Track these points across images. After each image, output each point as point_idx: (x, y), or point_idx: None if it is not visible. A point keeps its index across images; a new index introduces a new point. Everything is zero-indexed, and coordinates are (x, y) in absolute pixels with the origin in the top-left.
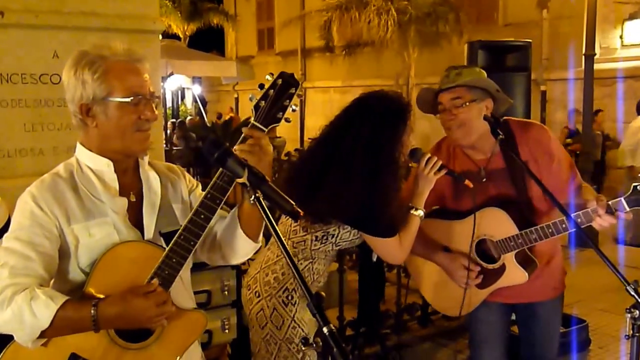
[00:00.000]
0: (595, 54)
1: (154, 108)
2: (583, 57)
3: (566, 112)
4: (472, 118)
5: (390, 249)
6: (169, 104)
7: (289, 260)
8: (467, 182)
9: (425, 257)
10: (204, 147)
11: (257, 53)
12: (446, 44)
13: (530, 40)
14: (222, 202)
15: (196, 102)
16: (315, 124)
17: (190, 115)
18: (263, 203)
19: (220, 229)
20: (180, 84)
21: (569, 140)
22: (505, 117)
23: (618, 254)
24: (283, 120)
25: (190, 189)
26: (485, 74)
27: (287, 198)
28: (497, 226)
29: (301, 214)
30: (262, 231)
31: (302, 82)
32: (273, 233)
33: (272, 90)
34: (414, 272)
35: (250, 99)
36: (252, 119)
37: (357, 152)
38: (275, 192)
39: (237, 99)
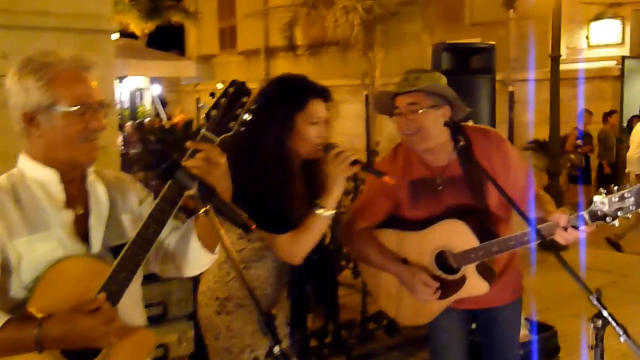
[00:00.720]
0: (560, 55)
1: (103, 117)
2: (549, 58)
3: (536, 112)
4: (428, 124)
5: (280, 246)
6: (127, 105)
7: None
8: (386, 178)
9: (383, 268)
10: (152, 158)
11: (219, 52)
12: (414, 43)
13: (494, 43)
14: (172, 214)
15: (155, 103)
16: None
17: (149, 117)
18: (212, 215)
19: (174, 240)
20: (138, 85)
21: (578, 142)
22: (461, 123)
23: (587, 256)
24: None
25: (141, 199)
26: (445, 80)
27: (239, 210)
28: (457, 238)
29: (253, 227)
30: (218, 244)
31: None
32: (223, 246)
33: (224, 99)
34: (370, 282)
35: (202, 108)
36: (204, 128)
37: (244, 138)
38: (226, 205)
39: (198, 100)
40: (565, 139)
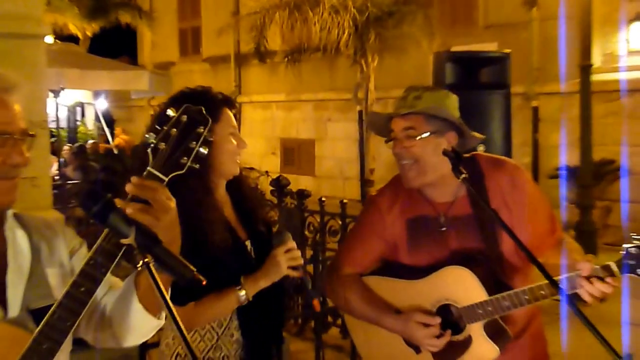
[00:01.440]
0: (591, 64)
1: (26, 149)
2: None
3: (565, 131)
4: (426, 154)
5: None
6: (63, 123)
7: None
8: (315, 302)
9: (372, 321)
10: (79, 199)
11: (179, 59)
12: (414, 49)
13: (509, 51)
14: (109, 271)
15: (99, 121)
16: (255, 148)
17: (92, 139)
18: (153, 269)
19: (110, 302)
20: (78, 99)
21: None
22: (473, 152)
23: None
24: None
25: (72, 250)
26: (455, 100)
27: (186, 263)
28: (462, 289)
29: (204, 283)
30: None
31: (236, 95)
32: (164, 304)
33: (175, 130)
34: (358, 341)
35: (147, 141)
36: (150, 165)
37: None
38: (170, 256)
39: (169, 119)
40: (601, 165)
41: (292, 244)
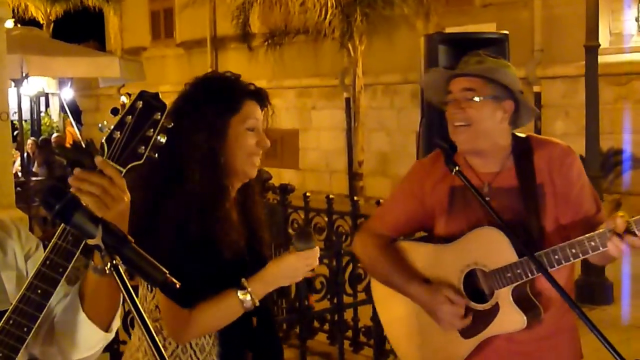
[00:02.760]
0: (599, 45)
1: None
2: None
3: (570, 119)
4: (482, 118)
5: (171, 318)
6: (26, 115)
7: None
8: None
9: (399, 287)
10: (40, 196)
11: (151, 44)
12: (405, 31)
13: (507, 32)
14: (67, 270)
15: (65, 112)
16: None
17: (58, 131)
18: (122, 272)
19: (59, 312)
20: (43, 88)
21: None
22: (528, 134)
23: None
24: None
25: (27, 252)
26: (514, 71)
27: (158, 265)
28: (493, 252)
29: (178, 285)
30: (116, 314)
31: None
32: (134, 313)
33: (131, 117)
34: (382, 314)
35: (101, 130)
36: (105, 156)
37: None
38: (142, 258)
39: (123, 107)
40: (609, 155)
41: (316, 252)
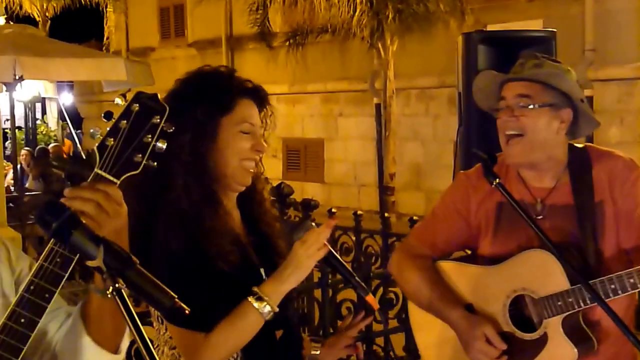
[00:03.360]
0: None
1: None
2: None
3: (625, 127)
4: (537, 128)
5: (186, 347)
6: (19, 123)
7: None
8: (369, 298)
9: (438, 312)
10: (36, 213)
11: (160, 44)
12: (441, 30)
13: (554, 30)
14: (54, 296)
15: (64, 119)
16: None
17: (56, 140)
18: (126, 297)
19: (61, 337)
20: (39, 92)
21: None
22: (586, 144)
23: None
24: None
25: (18, 276)
26: (575, 76)
27: (166, 289)
28: (543, 277)
29: (187, 312)
30: (125, 333)
31: None
32: (139, 342)
33: (126, 121)
34: (420, 339)
35: (92, 136)
36: (97, 166)
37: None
38: (147, 281)
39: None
40: None
41: (315, 230)
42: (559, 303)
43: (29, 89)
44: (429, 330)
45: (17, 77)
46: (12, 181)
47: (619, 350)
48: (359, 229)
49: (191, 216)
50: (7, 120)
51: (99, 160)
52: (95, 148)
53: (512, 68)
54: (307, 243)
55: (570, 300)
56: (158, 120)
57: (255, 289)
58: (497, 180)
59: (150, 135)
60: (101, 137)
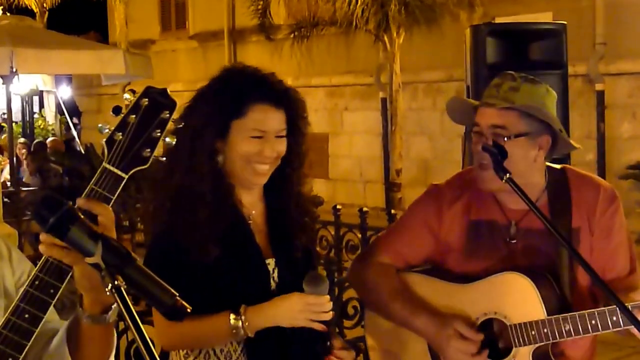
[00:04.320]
0: None
1: None
2: None
3: (638, 122)
4: (514, 159)
5: (158, 322)
6: (16, 117)
7: None
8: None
9: (402, 320)
10: (33, 208)
11: (160, 36)
12: (449, 22)
13: (564, 23)
14: (59, 292)
15: (62, 113)
16: None
17: (54, 134)
18: (125, 296)
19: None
20: (36, 85)
21: None
22: (563, 165)
23: None
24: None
25: (20, 277)
26: (554, 97)
27: (166, 286)
28: (517, 302)
29: (189, 310)
30: (111, 355)
31: None
32: (139, 341)
33: (134, 116)
34: (375, 353)
35: (101, 131)
36: (105, 160)
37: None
38: (148, 278)
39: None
40: None
41: (324, 299)
42: (533, 333)
43: (26, 81)
44: (386, 344)
45: (13, 70)
46: (9, 176)
47: None
48: (364, 226)
49: (180, 207)
50: (4, 113)
51: (107, 155)
52: (103, 142)
53: (486, 90)
54: (309, 306)
55: (545, 331)
56: (167, 115)
57: (242, 309)
58: (508, 175)
59: (159, 130)
60: (110, 132)
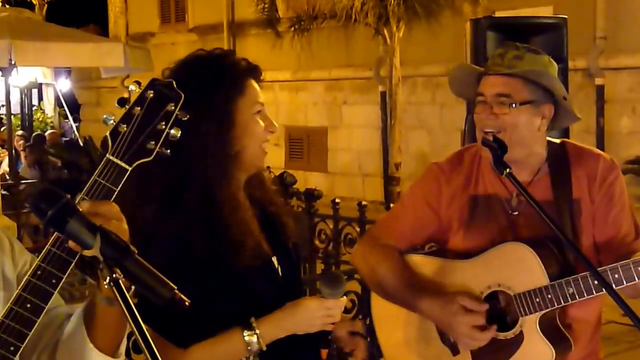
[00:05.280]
0: None
1: None
2: None
3: (638, 116)
4: (517, 126)
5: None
6: (15, 109)
7: None
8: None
9: (408, 303)
10: (31, 201)
11: (160, 29)
12: (449, 16)
13: (565, 17)
14: (62, 282)
15: (61, 106)
16: None
17: (52, 127)
18: (124, 289)
19: (62, 340)
20: (35, 78)
21: None
22: (563, 140)
23: None
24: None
25: (21, 269)
26: (556, 68)
27: (165, 279)
28: (520, 272)
29: (187, 303)
30: (124, 336)
31: None
32: (137, 334)
33: (140, 108)
34: (384, 340)
35: (105, 122)
36: (109, 151)
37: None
38: (146, 271)
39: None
40: None
41: (341, 304)
42: (537, 300)
43: (25, 74)
44: (393, 327)
45: (12, 62)
46: (8, 169)
47: (589, 353)
48: (363, 220)
49: (215, 213)
50: (3, 106)
51: (111, 146)
52: (108, 134)
53: (490, 59)
54: (328, 311)
55: (549, 297)
56: (173, 108)
57: (254, 322)
58: (508, 170)
59: (164, 123)
60: (114, 123)
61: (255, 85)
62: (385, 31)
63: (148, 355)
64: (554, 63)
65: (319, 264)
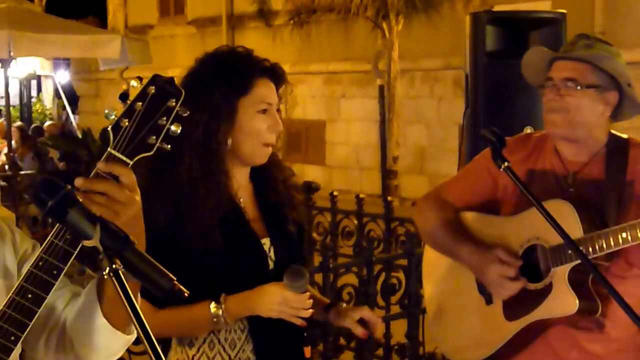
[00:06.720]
0: None
1: None
2: None
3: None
4: (581, 108)
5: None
6: (14, 101)
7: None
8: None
9: (450, 250)
10: (31, 192)
11: (159, 21)
12: (448, 10)
13: (564, 12)
14: (63, 273)
15: (60, 97)
16: None
17: (51, 118)
18: (123, 278)
19: (71, 316)
20: (34, 69)
21: None
22: (630, 137)
23: None
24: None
25: (22, 256)
26: (623, 60)
27: (164, 270)
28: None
29: (186, 294)
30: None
31: None
32: (136, 324)
33: (141, 103)
34: (427, 287)
35: (107, 117)
36: (110, 146)
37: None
38: (146, 262)
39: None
40: None
41: (303, 297)
42: (569, 252)
43: (24, 65)
44: (437, 278)
45: (11, 54)
46: (6, 160)
47: (628, 335)
48: (361, 213)
49: (186, 194)
50: (1, 97)
51: (113, 141)
52: (109, 128)
53: (562, 47)
54: (286, 301)
55: (580, 248)
56: (173, 104)
57: (223, 297)
58: (506, 163)
59: (165, 118)
60: (116, 118)
61: (268, 85)
62: (384, 25)
63: (149, 349)
64: (622, 55)
65: (317, 257)
